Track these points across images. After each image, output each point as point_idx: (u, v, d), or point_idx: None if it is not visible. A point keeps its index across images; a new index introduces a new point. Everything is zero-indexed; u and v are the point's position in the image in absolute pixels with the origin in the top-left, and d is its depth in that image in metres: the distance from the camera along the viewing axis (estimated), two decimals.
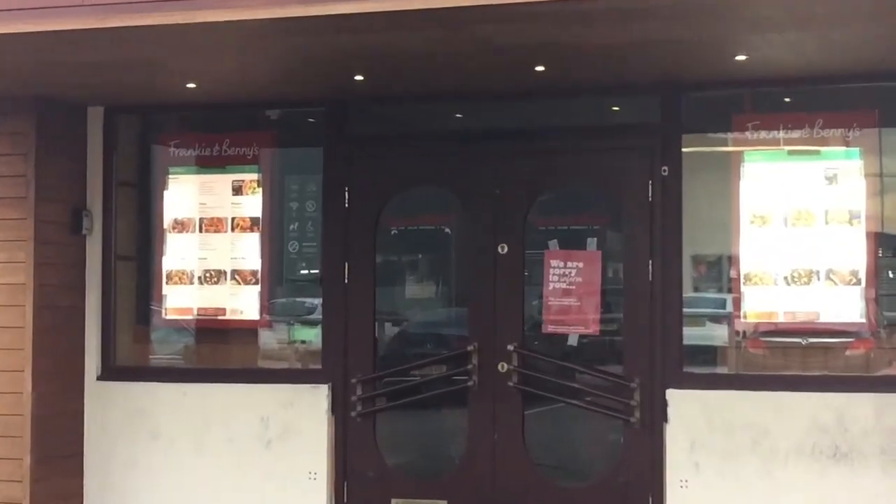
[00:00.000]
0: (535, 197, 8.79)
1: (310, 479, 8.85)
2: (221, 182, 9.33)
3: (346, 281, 8.96)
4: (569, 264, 8.67)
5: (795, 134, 8.29)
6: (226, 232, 9.30)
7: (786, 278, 8.23)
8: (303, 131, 9.54)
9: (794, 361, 8.38)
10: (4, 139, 8.89)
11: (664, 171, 8.42)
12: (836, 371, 8.26)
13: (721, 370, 8.60)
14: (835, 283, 8.15)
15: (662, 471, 8.32)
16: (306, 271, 9.48)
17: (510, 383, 8.62)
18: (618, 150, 8.56)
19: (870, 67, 7.90)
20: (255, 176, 9.29)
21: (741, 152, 8.38)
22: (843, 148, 8.23)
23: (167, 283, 9.41)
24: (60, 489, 9.05)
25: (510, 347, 8.61)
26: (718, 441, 8.19)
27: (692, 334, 8.47)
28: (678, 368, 8.36)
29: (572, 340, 8.72)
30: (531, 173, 8.74)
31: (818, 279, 8.18)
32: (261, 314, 9.24)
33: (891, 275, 8.44)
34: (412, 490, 8.86)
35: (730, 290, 8.51)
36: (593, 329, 8.74)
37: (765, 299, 8.27)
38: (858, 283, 8.12)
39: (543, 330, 8.76)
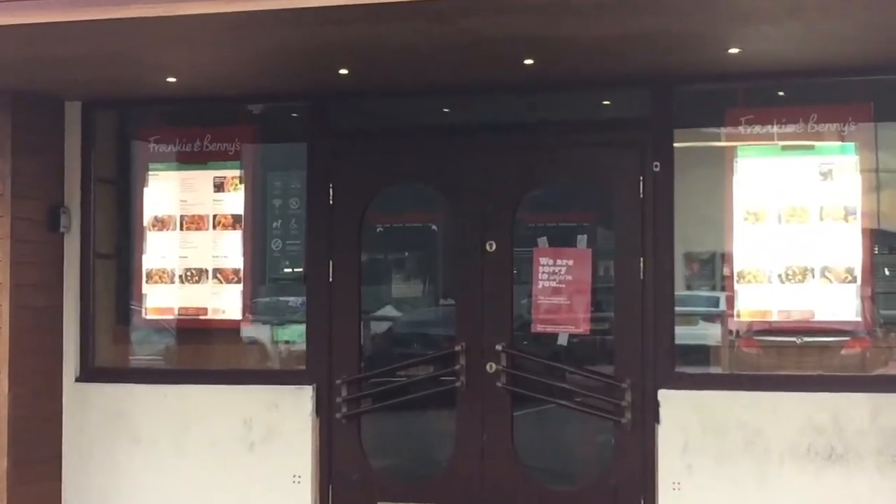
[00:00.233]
0: (523, 193, 8.75)
1: (294, 482, 8.78)
2: (202, 178, 9.27)
3: (330, 280, 8.90)
4: (558, 262, 8.63)
5: (789, 128, 8.25)
6: (207, 230, 9.25)
7: (780, 276, 8.19)
8: (286, 126, 9.50)
9: (789, 361, 8.34)
10: None
11: (656, 166, 8.38)
12: (832, 370, 8.24)
13: (714, 370, 8.56)
14: (830, 281, 8.11)
15: (654, 473, 8.27)
16: (290, 270, 9.47)
17: (498, 384, 8.57)
18: (608, 146, 8.53)
19: (865, 60, 7.85)
20: (237, 172, 9.23)
21: (734, 147, 8.34)
22: (839, 143, 8.19)
23: (147, 282, 9.35)
24: (38, 493, 8.98)
25: (498, 347, 8.55)
26: (711, 442, 8.14)
27: (685, 333, 8.44)
28: (670, 368, 8.31)
29: (562, 340, 8.68)
30: (520, 169, 8.69)
31: (813, 277, 8.14)
32: (243, 314, 9.20)
33: (887, 272, 8.47)
34: (398, 493, 8.80)
35: (723, 288, 8.48)
36: (583, 328, 8.69)
37: (759, 297, 8.23)
38: (854, 280, 8.08)
39: (533, 329, 8.72)
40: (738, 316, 8.27)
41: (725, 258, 8.36)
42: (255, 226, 9.24)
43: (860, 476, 7.90)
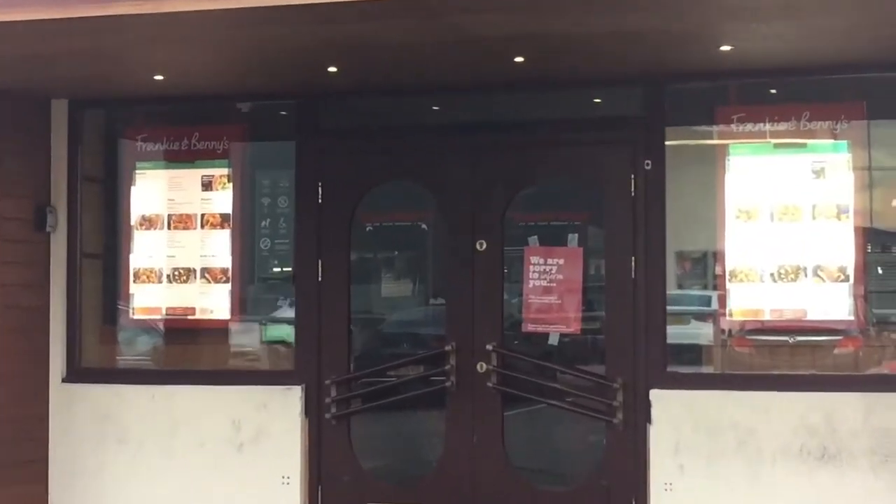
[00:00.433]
0: (514, 192, 8.71)
1: (283, 483, 8.74)
2: (190, 177, 9.24)
3: (319, 279, 8.87)
4: (549, 261, 8.60)
5: (782, 126, 8.23)
6: (195, 229, 9.21)
7: (772, 275, 8.16)
8: (275, 125, 9.45)
9: (782, 360, 8.32)
10: None
11: (647, 164, 8.35)
12: (825, 370, 8.21)
13: (706, 370, 8.53)
14: (822, 280, 8.09)
15: (646, 473, 8.24)
16: (279, 269, 9.44)
17: (489, 384, 8.53)
18: (599, 144, 8.49)
19: (857, 58, 7.83)
20: (225, 171, 9.20)
21: (726, 145, 8.32)
22: (831, 141, 8.16)
23: (135, 281, 9.31)
24: (24, 495, 8.93)
25: (489, 347, 8.52)
26: (704, 442, 8.10)
27: (676, 333, 8.39)
28: (662, 368, 8.28)
29: (553, 340, 8.66)
30: (510, 167, 8.66)
31: (805, 276, 8.12)
32: (232, 313, 9.17)
33: (880, 271, 8.41)
34: (388, 494, 8.78)
35: (715, 288, 8.44)
36: (574, 328, 8.66)
37: (751, 296, 8.20)
38: (847, 279, 8.06)
39: (523, 329, 8.70)
40: (731, 315, 8.24)
41: (717, 257, 8.33)
42: (244, 225, 9.20)
43: (853, 476, 7.87)
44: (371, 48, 7.64)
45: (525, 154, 8.62)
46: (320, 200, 8.87)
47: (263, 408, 8.78)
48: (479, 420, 8.56)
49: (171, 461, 8.92)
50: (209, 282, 9.13)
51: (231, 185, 9.15)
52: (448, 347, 8.58)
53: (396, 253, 9.67)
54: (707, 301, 8.55)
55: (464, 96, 8.75)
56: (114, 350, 9.55)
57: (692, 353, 8.55)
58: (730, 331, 8.37)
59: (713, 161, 8.32)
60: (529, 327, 8.64)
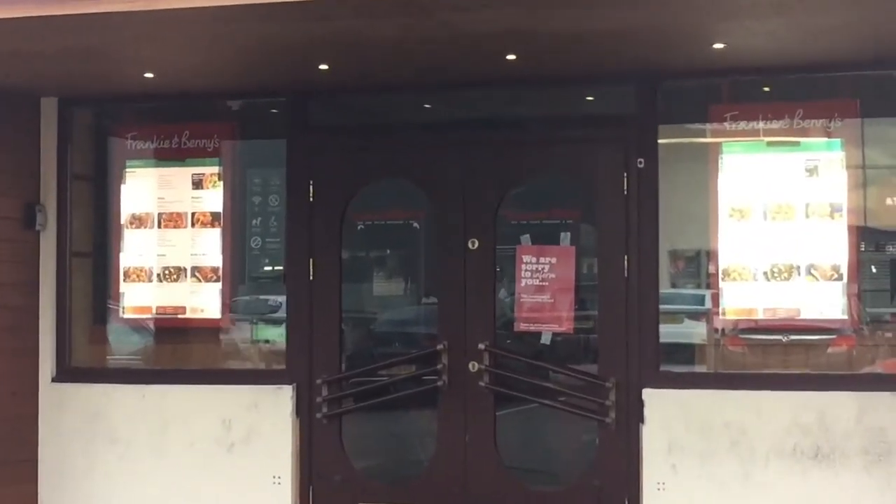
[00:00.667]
0: (506, 190, 8.70)
1: (274, 483, 8.72)
2: (181, 175, 9.21)
3: (310, 278, 8.84)
4: (541, 260, 8.58)
5: (775, 124, 8.22)
6: (185, 227, 9.19)
7: (766, 274, 8.15)
8: (266, 122, 9.42)
9: (775, 359, 8.31)
10: None
11: (640, 163, 8.33)
12: (818, 369, 8.20)
13: (699, 369, 8.52)
14: (816, 279, 8.08)
15: (639, 473, 8.23)
16: (270, 268, 9.42)
17: (481, 383, 8.51)
18: (592, 142, 8.47)
19: (851, 56, 7.82)
20: (215, 169, 9.17)
21: (719, 144, 8.31)
22: (824, 139, 8.16)
23: (125, 280, 9.29)
24: (14, 495, 8.90)
25: (481, 346, 8.49)
26: (696, 442, 8.09)
27: (669, 332, 8.39)
28: (655, 367, 8.26)
29: (545, 339, 8.64)
30: (503, 166, 8.64)
31: (799, 274, 8.11)
32: (222, 313, 9.15)
33: (873, 270, 8.41)
34: (380, 494, 8.75)
35: (708, 286, 8.45)
36: (567, 327, 8.63)
37: (744, 295, 8.20)
38: (840, 278, 8.05)
39: (516, 328, 8.67)
40: (724, 314, 8.23)
41: (710, 255, 8.33)
42: (235, 223, 9.18)
43: (846, 476, 7.86)
44: (362, 45, 7.61)
45: (517, 152, 8.60)
46: (311, 199, 8.84)
47: (254, 407, 8.75)
48: (471, 419, 8.53)
49: (161, 461, 8.89)
50: (200, 281, 9.10)
51: (222, 183, 9.12)
52: (440, 346, 8.56)
53: (388, 251, 9.68)
54: (700, 300, 8.56)
55: (456, 94, 8.74)
56: (104, 349, 9.51)
57: (685, 352, 8.54)
58: (723, 330, 8.36)
59: (706, 159, 8.31)
60: (522, 326, 8.61)
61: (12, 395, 8.90)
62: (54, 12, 6.80)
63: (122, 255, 9.28)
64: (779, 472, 7.93)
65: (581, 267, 8.60)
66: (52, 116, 9.27)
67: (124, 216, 9.29)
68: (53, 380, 9.18)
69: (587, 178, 8.54)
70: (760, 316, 8.17)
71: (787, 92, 8.21)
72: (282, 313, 9.03)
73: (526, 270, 8.56)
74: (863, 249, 8.13)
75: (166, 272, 9.16)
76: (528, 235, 8.65)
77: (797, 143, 8.15)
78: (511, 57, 7.85)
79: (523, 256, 8.58)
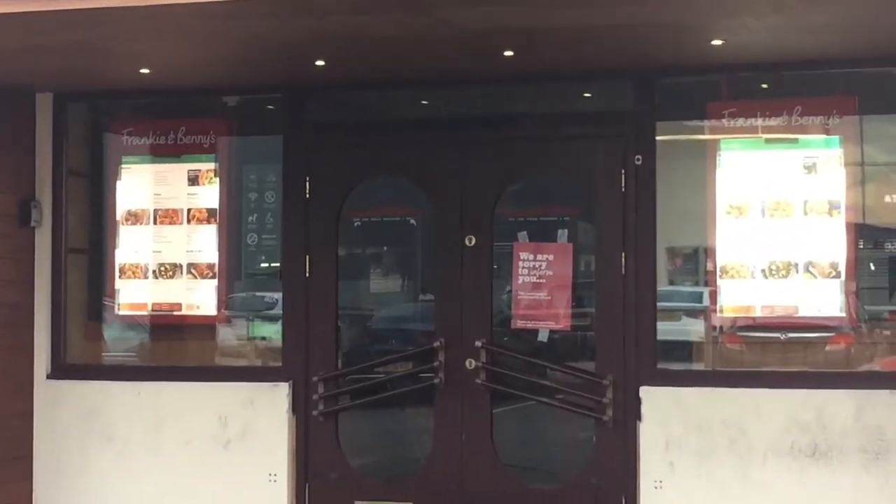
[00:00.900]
0: (503, 187, 8.69)
1: (270, 480, 8.70)
2: (177, 172, 9.19)
3: (307, 275, 8.82)
4: (539, 257, 8.56)
5: (773, 121, 8.21)
6: (181, 224, 9.16)
7: (763, 271, 8.14)
8: (262, 119, 9.42)
9: (773, 357, 8.30)
10: None
11: (638, 160, 8.31)
12: (816, 367, 8.20)
13: (697, 366, 8.52)
14: (814, 276, 8.06)
15: (636, 471, 8.22)
16: (266, 265, 9.44)
17: (478, 381, 8.49)
18: (589, 139, 8.47)
19: (849, 53, 7.81)
20: (211, 165, 9.15)
21: (717, 140, 8.30)
22: (823, 136, 8.15)
23: (120, 277, 9.26)
24: (8, 493, 8.88)
25: (478, 343, 8.47)
26: (694, 440, 8.08)
27: (667, 329, 8.37)
28: (652, 365, 8.25)
29: (543, 336, 8.63)
30: (500, 162, 8.63)
31: (797, 272, 8.09)
32: (218, 309, 9.12)
33: (872, 267, 8.40)
34: (376, 492, 8.74)
35: (706, 284, 8.43)
36: (564, 324, 8.62)
37: (742, 293, 8.18)
38: (838, 275, 8.03)
39: (513, 325, 8.67)
40: (722, 311, 8.22)
41: (708, 253, 8.31)
42: (231, 220, 9.16)
43: (844, 474, 7.85)
44: (359, 42, 7.60)
45: (515, 149, 8.59)
46: (308, 195, 8.82)
47: (250, 404, 8.73)
48: (468, 417, 8.52)
49: (157, 458, 8.87)
50: (196, 277, 9.07)
51: (218, 179, 9.10)
52: (437, 344, 8.54)
53: (385, 248, 9.66)
54: (698, 297, 8.54)
55: (453, 90, 8.73)
56: (99, 346, 9.50)
57: (683, 349, 8.53)
58: (721, 327, 8.36)
59: (704, 156, 8.30)
60: (519, 323, 8.61)
61: (7, 392, 8.87)
62: (50, 7, 6.76)
63: (117, 252, 9.25)
64: (776, 470, 7.92)
65: (578, 264, 8.59)
66: (47, 112, 9.24)
67: (120, 212, 9.26)
68: (49, 377, 9.16)
69: (585, 176, 8.53)
70: (758, 313, 8.15)
71: (785, 89, 8.20)
72: (278, 310, 9.02)
73: (523, 268, 8.55)
74: (861, 247, 8.11)
75: (162, 269, 9.14)
76: (525, 232, 8.64)
77: (795, 140, 8.14)
78: (509, 53, 7.84)
79: (520, 253, 8.57)
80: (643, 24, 7.21)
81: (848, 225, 8.03)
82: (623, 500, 8.24)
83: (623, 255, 8.28)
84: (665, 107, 8.34)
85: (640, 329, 8.22)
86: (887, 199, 8.22)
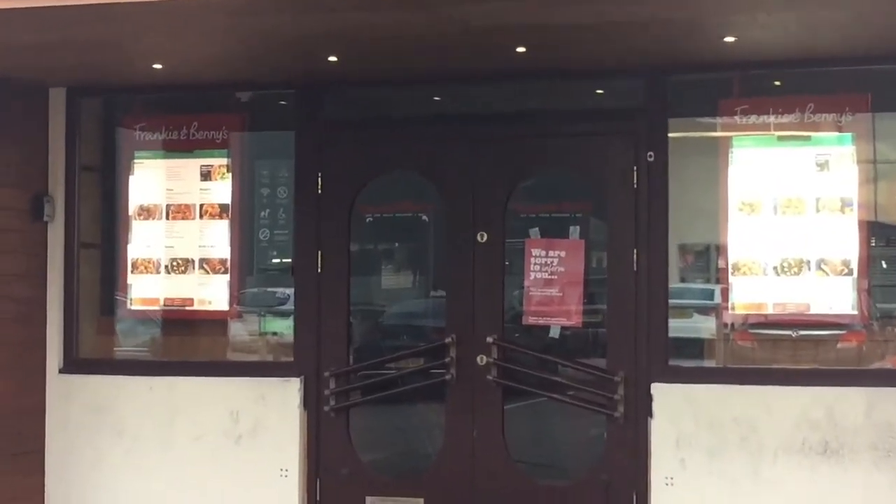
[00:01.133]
0: (515, 183, 8.66)
1: (281, 476, 8.69)
2: (189, 167, 9.17)
3: (319, 270, 8.81)
4: (551, 253, 8.55)
5: (786, 119, 8.17)
6: (194, 219, 9.16)
7: (775, 268, 8.11)
8: (274, 114, 9.39)
9: (784, 354, 8.26)
10: None
11: (650, 156, 8.29)
12: (827, 364, 8.16)
13: (708, 363, 8.49)
14: (826, 274, 8.03)
15: (647, 468, 8.19)
16: (278, 260, 9.42)
17: (489, 377, 8.47)
18: (602, 135, 8.44)
19: (862, 50, 7.78)
20: (224, 161, 9.14)
21: (729, 137, 8.27)
22: (835, 133, 8.11)
23: (132, 272, 9.25)
24: (20, 488, 8.87)
25: (489, 339, 8.45)
26: (705, 437, 8.06)
27: (678, 326, 8.35)
28: (664, 362, 8.22)
29: (554, 332, 8.59)
30: (512, 159, 8.60)
31: (809, 269, 8.06)
32: (230, 305, 9.11)
33: (884, 265, 8.40)
34: (387, 487, 8.72)
35: (717, 281, 8.40)
36: (576, 321, 8.59)
37: (754, 290, 8.15)
38: (850, 273, 8.00)
39: (524, 321, 8.64)
40: (733, 309, 8.19)
41: (720, 250, 8.28)
42: (243, 215, 9.15)
43: (855, 471, 7.82)
44: (372, 38, 7.59)
45: (527, 145, 8.56)
46: (320, 191, 8.81)
47: (262, 400, 8.72)
48: (479, 413, 8.50)
49: (168, 453, 8.87)
50: (208, 272, 9.07)
51: (230, 175, 9.09)
52: (448, 340, 8.53)
53: (396, 244, 9.62)
54: (709, 294, 8.52)
55: (465, 86, 8.70)
56: (111, 341, 9.50)
57: (694, 346, 8.51)
58: (732, 324, 8.33)
59: (716, 153, 8.27)
60: (530, 320, 8.59)
61: (20, 386, 8.87)
62: (64, 3, 6.76)
63: (129, 247, 9.24)
64: (787, 467, 7.90)
65: (590, 261, 8.57)
66: (60, 107, 9.23)
67: (132, 207, 9.26)
68: (61, 371, 9.16)
69: (597, 172, 8.50)
70: (770, 311, 8.12)
71: (797, 86, 8.16)
72: (290, 305, 9.01)
73: (535, 264, 8.53)
74: (873, 244, 8.08)
75: (174, 264, 9.13)
76: (537, 229, 8.62)
77: (808, 138, 8.11)
78: (521, 49, 7.81)
79: (532, 250, 8.56)
80: (656, 21, 7.18)
81: (860, 222, 7.99)
82: (634, 497, 8.21)
83: (635, 251, 8.25)
84: (677, 104, 8.31)
85: (651, 326, 8.20)
86: None
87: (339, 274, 8.79)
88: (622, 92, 8.55)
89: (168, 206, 9.18)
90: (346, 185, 8.81)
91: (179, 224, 9.15)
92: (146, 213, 9.22)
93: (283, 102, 9.15)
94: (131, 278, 9.23)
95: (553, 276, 8.51)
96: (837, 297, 8.00)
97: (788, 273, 8.05)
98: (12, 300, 8.83)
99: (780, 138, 8.15)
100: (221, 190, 9.09)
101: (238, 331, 9.31)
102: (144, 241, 9.22)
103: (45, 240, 9.19)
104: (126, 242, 9.27)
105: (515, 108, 8.69)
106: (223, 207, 9.09)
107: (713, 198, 8.24)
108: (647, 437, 8.16)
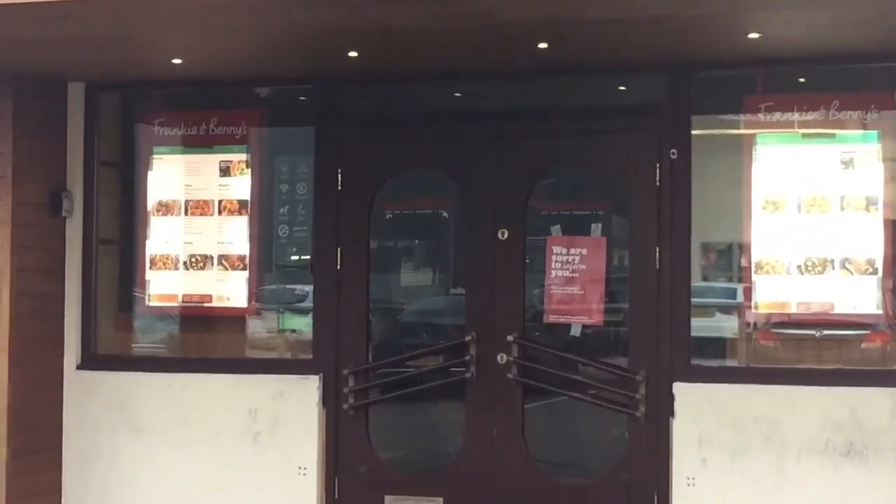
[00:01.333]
0: (537, 180, 8.65)
1: (299, 474, 8.67)
2: (208, 162, 9.15)
3: (338, 267, 8.78)
4: (572, 251, 8.51)
5: (810, 116, 8.12)
6: (212, 215, 9.13)
7: (799, 267, 8.06)
8: (294, 110, 9.35)
9: (808, 354, 8.21)
10: None
11: (673, 154, 8.25)
12: (851, 365, 8.12)
13: (731, 363, 8.45)
14: (850, 273, 7.98)
15: (669, 468, 8.16)
16: (297, 257, 9.39)
17: (510, 375, 8.44)
18: (624, 132, 8.40)
19: (887, 46, 7.72)
20: (243, 156, 9.11)
21: (753, 135, 8.22)
22: (860, 131, 8.06)
23: (151, 268, 9.24)
24: (38, 484, 8.87)
25: (510, 338, 8.42)
26: (727, 437, 8.02)
27: (701, 325, 8.30)
28: (686, 361, 8.18)
29: (575, 331, 8.56)
30: (533, 156, 8.57)
31: (833, 268, 8.02)
32: (249, 301, 9.09)
33: None
34: (406, 486, 8.69)
35: (740, 280, 8.36)
36: (597, 319, 8.56)
37: (777, 289, 8.11)
38: (875, 272, 7.96)
39: (545, 320, 8.61)
40: (756, 308, 8.15)
41: (743, 248, 8.24)
42: (262, 211, 9.12)
43: (879, 472, 7.78)
44: (392, 33, 7.55)
45: (548, 142, 8.53)
46: (339, 187, 8.78)
47: (280, 397, 8.70)
48: (499, 412, 8.47)
49: (186, 450, 8.85)
50: (226, 269, 9.04)
51: (249, 170, 9.07)
52: (468, 338, 8.49)
53: (416, 241, 9.64)
54: (732, 293, 8.47)
55: (486, 83, 8.65)
56: (129, 337, 9.49)
57: (716, 346, 8.46)
58: (755, 324, 8.29)
59: (740, 151, 8.23)
60: (551, 318, 8.55)
61: (37, 382, 8.85)
62: None
63: (148, 243, 9.23)
64: (811, 468, 7.86)
65: (612, 259, 8.53)
66: (79, 102, 9.21)
67: (151, 203, 9.24)
68: (79, 367, 9.14)
69: (619, 169, 8.45)
70: (793, 310, 8.08)
71: (822, 83, 8.11)
72: (309, 303, 8.97)
73: (556, 262, 8.49)
74: None
75: (193, 260, 9.12)
76: (558, 226, 8.58)
77: (833, 135, 8.06)
78: (543, 45, 7.77)
79: (553, 247, 8.52)
80: (679, 17, 7.15)
81: (885, 221, 7.94)
82: (655, 497, 8.18)
83: (657, 249, 8.21)
84: (701, 100, 8.26)
85: (673, 324, 8.16)
86: None
87: (358, 271, 8.76)
88: (645, 88, 8.50)
89: (187, 201, 9.16)
90: (366, 182, 8.77)
91: (198, 220, 9.13)
92: (165, 208, 9.20)
93: (302, 98, 9.12)
94: (149, 274, 9.21)
95: (574, 274, 8.47)
96: (862, 296, 7.95)
97: (812, 272, 8.00)
98: (30, 296, 8.80)
99: (805, 136, 8.10)
100: (240, 186, 9.07)
101: (256, 328, 9.29)
102: (163, 237, 9.20)
103: (63, 235, 9.17)
104: (144, 238, 9.26)
105: (537, 104, 8.64)
106: (242, 203, 9.06)
107: (736, 196, 8.19)
108: (669, 436, 8.12)
